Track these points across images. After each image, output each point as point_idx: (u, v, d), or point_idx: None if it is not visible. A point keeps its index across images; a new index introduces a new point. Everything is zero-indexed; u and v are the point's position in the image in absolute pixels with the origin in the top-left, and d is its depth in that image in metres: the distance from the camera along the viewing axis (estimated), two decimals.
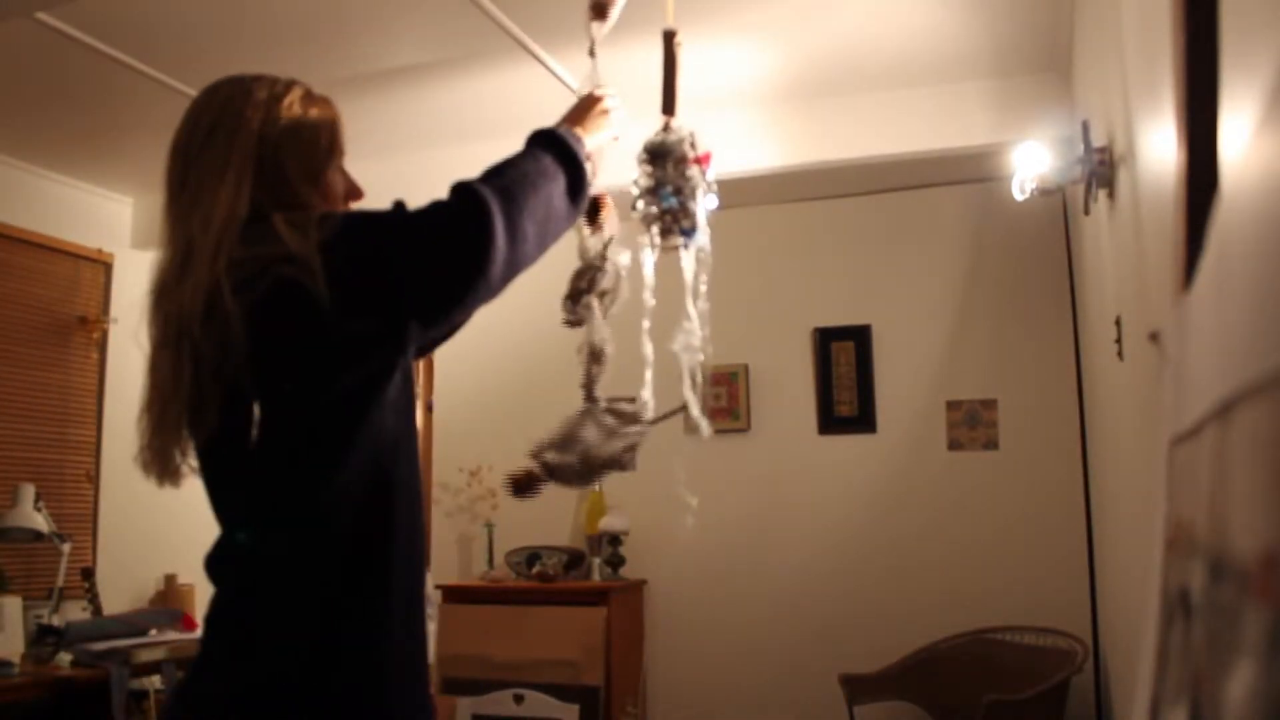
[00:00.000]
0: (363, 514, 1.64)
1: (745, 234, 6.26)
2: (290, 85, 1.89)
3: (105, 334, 5.96)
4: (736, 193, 5.60)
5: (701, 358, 2.03)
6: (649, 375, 2.04)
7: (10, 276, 5.48)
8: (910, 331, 6.00)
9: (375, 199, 5.80)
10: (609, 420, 2.00)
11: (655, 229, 2.06)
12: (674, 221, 2.05)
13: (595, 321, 2.17)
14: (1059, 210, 5.61)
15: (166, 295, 1.70)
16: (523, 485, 1.97)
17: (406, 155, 5.60)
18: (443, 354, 6.94)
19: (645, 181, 2.07)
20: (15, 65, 4.45)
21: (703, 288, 2.04)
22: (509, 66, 4.59)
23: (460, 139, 5.41)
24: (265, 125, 1.79)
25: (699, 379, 2.01)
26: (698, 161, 2.05)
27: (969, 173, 5.68)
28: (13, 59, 4.40)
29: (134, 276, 6.15)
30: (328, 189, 1.87)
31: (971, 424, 5.81)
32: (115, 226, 6.15)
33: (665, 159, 2.06)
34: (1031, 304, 5.76)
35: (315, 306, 1.57)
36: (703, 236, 2.04)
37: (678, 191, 2.04)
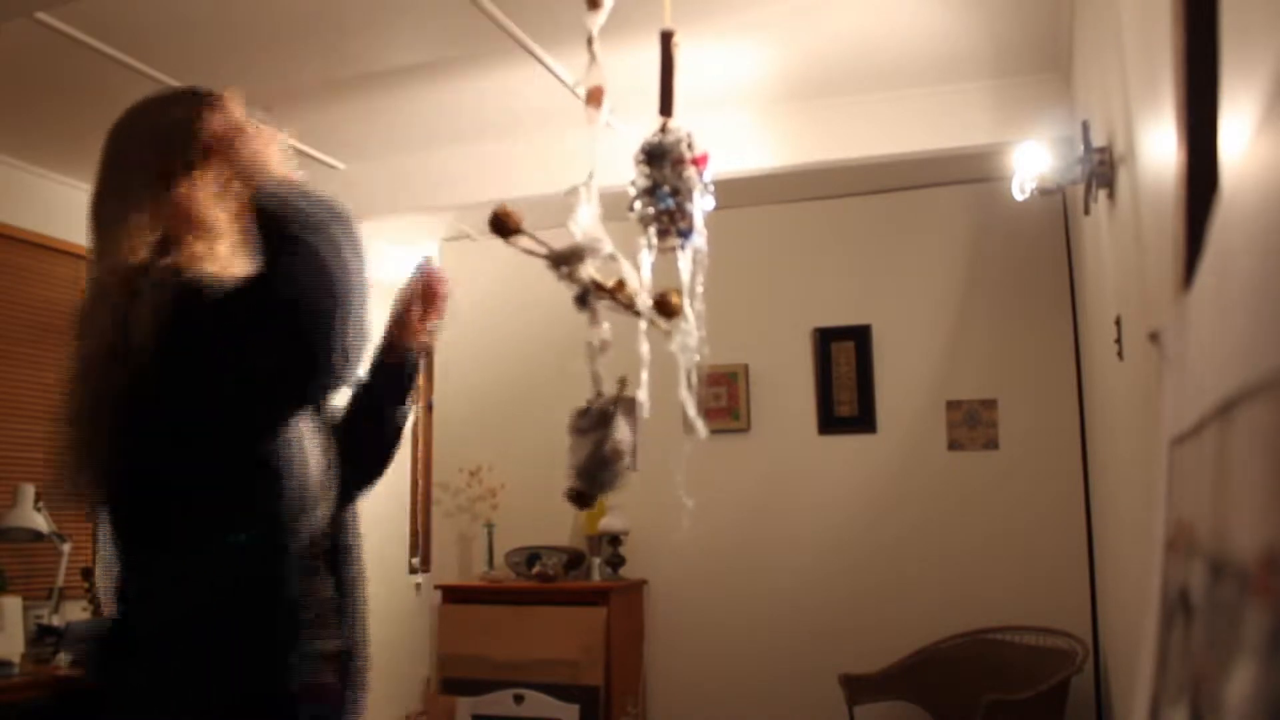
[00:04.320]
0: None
1: (745, 234, 6.26)
2: None
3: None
4: (736, 193, 5.61)
5: (698, 358, 2.03)
6: (645, 375, 2.03)
7: (9, 276, 5.48)
8: (910, 331, 6.00)
9: (378, 199, 5.80)
10: (603, 421, 1.99)
11: (653, 230, 2.05)
12: (671, 222, 2.04)
13: (600, 318, 2.17)
14: (1059, 210, 5.61)
15: None
16: (581, 498, 1.96)
17: (406, 155, 5.60)
18: (443, 353, 6.95)
19: (643, 182, 2.07)
20: (14, 64, 4.45)
21: (699, 288, 2.03)
22: (507, 65, 4.59)
23: (460, 138, 5.41)
24: None
25: (694, 380, 2.00)
26: (695, 163, 2.05)
27: (969, 172, 5.68)
28: (11, 58, 4.40)
29: None
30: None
31: (971, 424, 5.81)
32: None
33: (662, 160, 2.05)
34: (1032, 304, 5.77)
35: None
36: (699, 238, 2.04)
37: (675, 193, 2.03)
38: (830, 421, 6.09)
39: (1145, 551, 2.23)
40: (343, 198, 5.95)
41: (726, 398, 6.25)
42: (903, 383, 5.99)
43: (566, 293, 2.33)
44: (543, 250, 2.23)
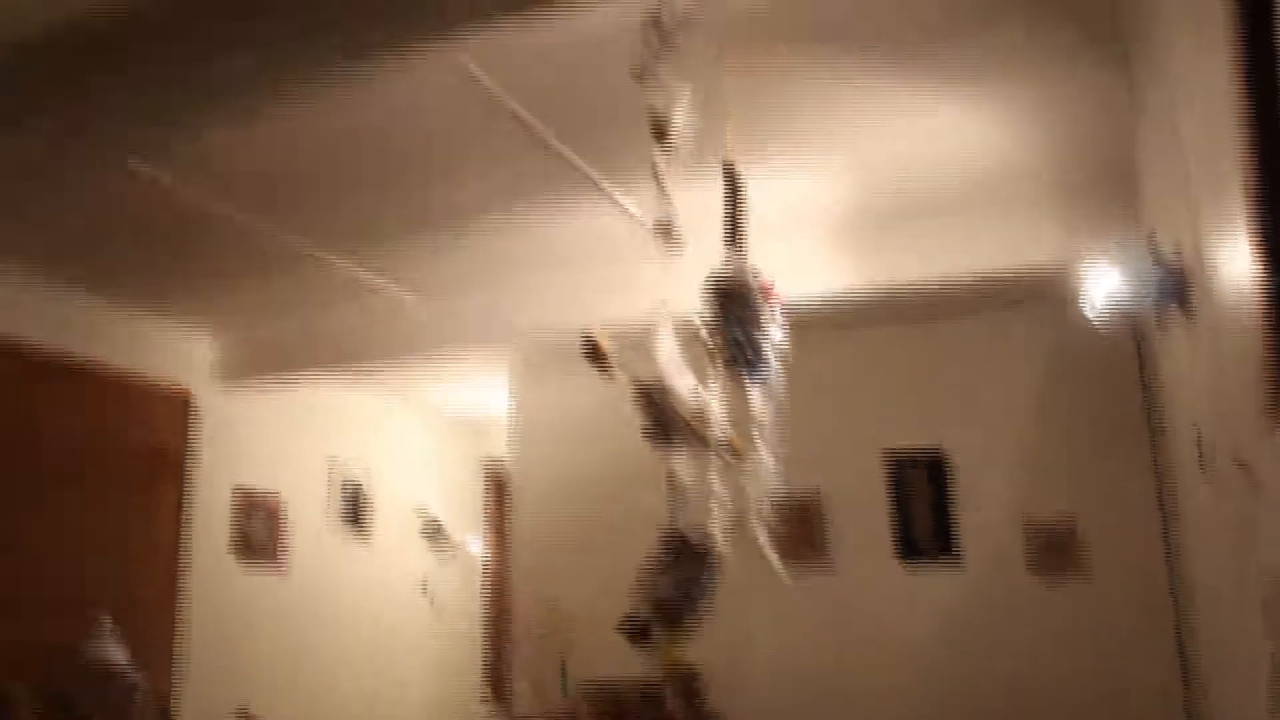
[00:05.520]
0: None
1: (813, 358, 6.22)
2: None
3: (186, 469, 6.06)
4: (803, 318, 5.61)
5: (772, 493, 2.01)
6: (718, 510, 2.02)
7: (92, 411, 5.61)
8: (986, 453, 5.88)
9: (449, 332, 5.89)
10: (686, 555, 1.98)
11: (721, 362, 2.06)
12: (740, 354, 2.05)
13: (679, 450, 2.17)
14: (1129, 327, 5.52)
15: None
16: (635, 631, 1.94)
17: (477, 289, 5.69)
18: (521, 484, 6.97)
19: (711, 315, 2.08)
20: (110, 211, 4.64)
21: (772, 420, 2.02)
22: (577, 200, 4.69)
23: (531, 271, 5.50)
24: None
25: (769, 514, 1.98)
26: (763, 294, 2.06)
27: (1035, 291, 5.63)
28: (108, 205, 4.59)
29: (214, 412, 6.28)
30: None
31: (1052, 546, 5.65)
32: (196, 362, 6.29)
33: (730, 292, 2.07)
34: (1107, 421, 5.64)
35: None
36: (770, 369, 2.04)
37: (743, 324, 2.05)
38: (908, 548, 5.96)
39: (1248, 679, 2.13)
40: (413, 332, 6.07)
41: (799, 525, 6.15)
42: (981, 506, 5.85)
43: (640, 421, 2.34)
44: (627, 380, 2.24)
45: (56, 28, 3.18)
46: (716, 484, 2.01)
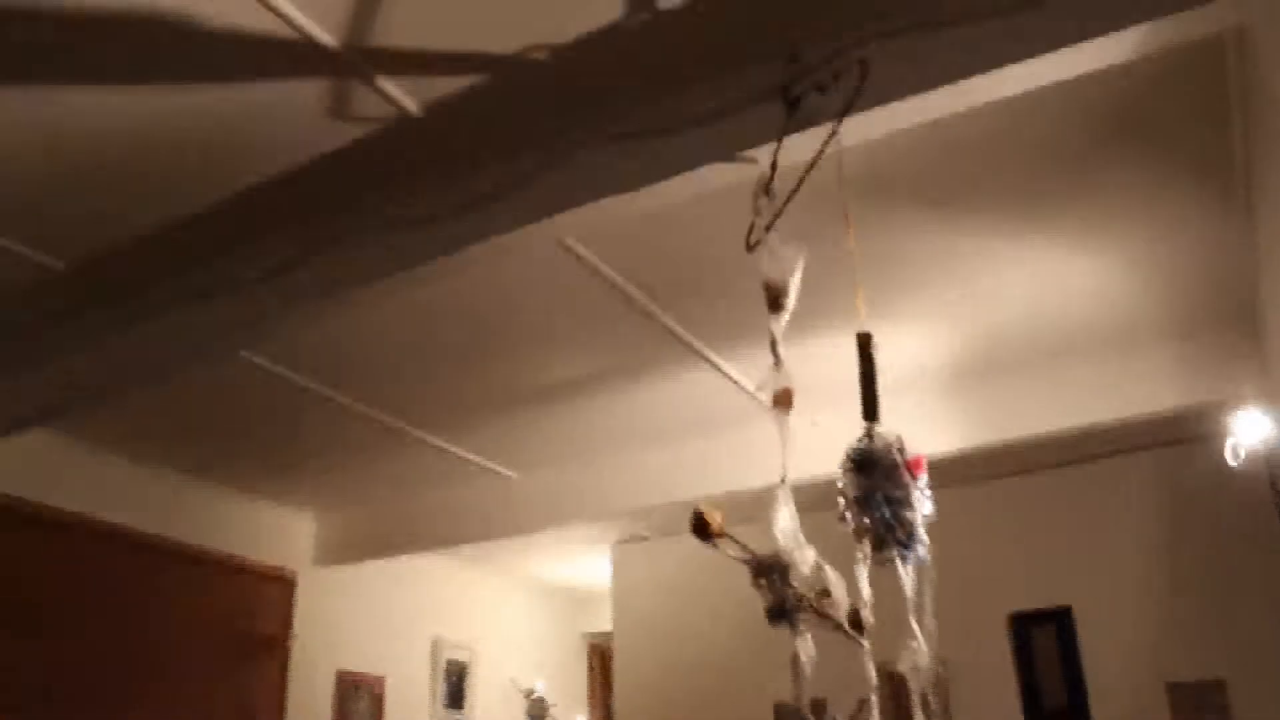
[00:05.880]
0: None
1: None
2: None
3: (288, 652, 5.99)
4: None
5: (931, 677, 1.87)
6: (875, 700, 1.88)
7: (196, 593, 5.61)
8: (1116, 609, 5.56)
9: (551, 507, 5.82)
10: None
11: (869, 543, 1.94)
12: (888, 533, 1.93)
13: (801, 630, 2.04)
14: (1262, 469, 5.25)
15: None
16: None
17: (577, 462, 5.64)
18: (624, 657, 6.78)
19: (853, 491, 1.98)
20: (207, 394, 4.71)
21: (928, 602, 1.89)
22: (678, 370, 4.65)
23: (631, 444, 5.44)
24: None
25: (931, 700, 1.84)
26: (909, 468, 1.95)
27: (1158, 436, 5.41)
28: (220, 393, 4.67)
29: (316, 593, 6.24)
30: None
31: (1200, 709, 5.27)
32: (298, 543, 6.29)
33: (873, 467, 1.96)
34: (1246, 573, 5.31)
35: None
36: (922, 548, 1.91)
37: (889, 501, 1.93)
38: (1038, 715, 5.61)
39: None
40: (514, 508, 5.99)
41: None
42: (1115, 666, 5.50)
43: (748, 593, 2.22)
44: (744, 555, 2.13)
45: (171, 221, 3.27)
46: (871, 672, 1.88)
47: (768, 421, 5.27)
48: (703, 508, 2.06)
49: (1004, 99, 2.77)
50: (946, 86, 2.60)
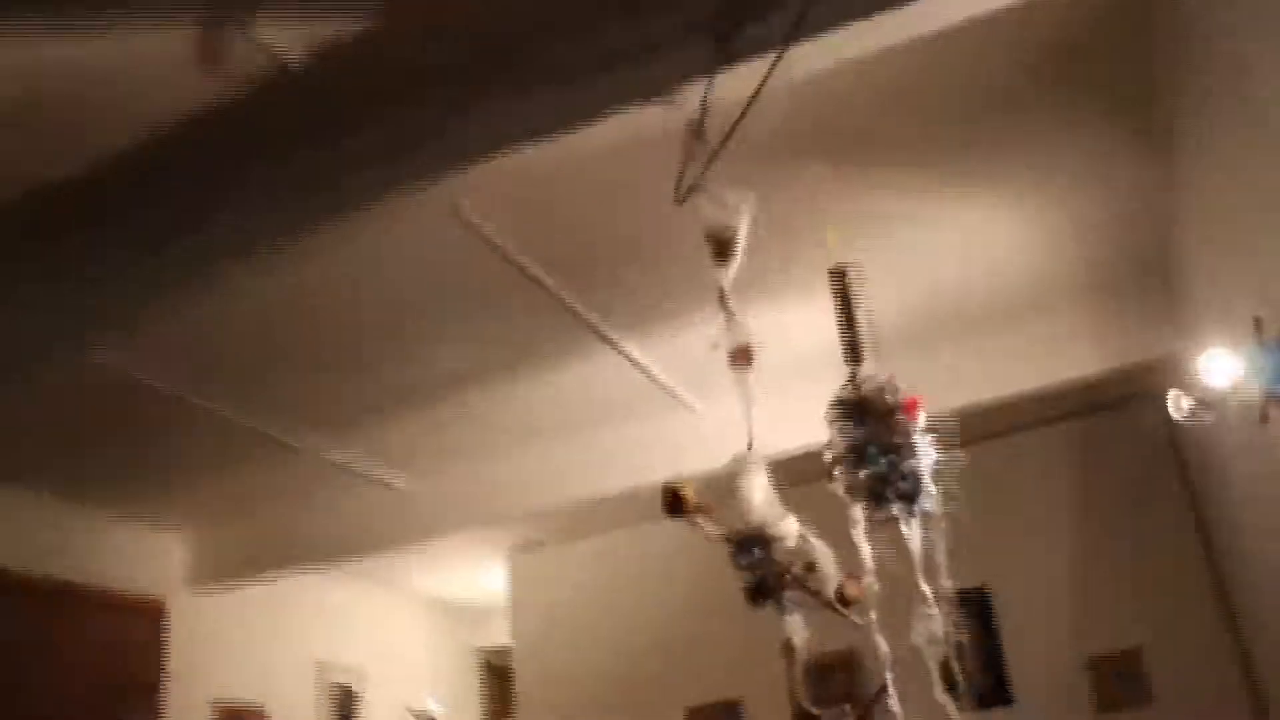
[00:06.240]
0: None
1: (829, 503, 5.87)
2: None
3: (158, 685, 5.48)
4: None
5: (948, 648, 1.64)
6: (890, 678, 1.64)
7: (55, 632, 5.02)
8: (1032, 587, 5.46)
9: (442, 516, 5.41)
10: None
11: (865, 499, 1.69)
12: (887, 486, 1.69)
13: (790, 610, 1.81)
14: (1165, 430, 5.20)
15: None
16: None
17: (470, 465, 5.26)
18: (525, 671, 6.45)
19: (842, 444, 1.73)
20: (51, 400, 4.18)
21: (942, 561, 1.65)
22: (583, 358, 4.35)
23: (528, 441, 5.08)
24: None
25: (958, 673, 1.61)
26: (905, 410, 1.71)
27: (1070, 408, 5.34)
28: (45, 392, 4.15)
29: (190, 620, 5.72)
30: None
31: (1120, 679, 5.21)
32: (168, 568, 5.76)
33: (864, 415, 1.72)
34: (1154, 534, 5.27)
35: None
36: (928, 499, 1.67)
37: (886, 450, 1.69)
38: (958, 698, 5.48)
39: None
40: (402, 517, 5.57)
41: (838, 679, 5.61)
42: (1034, 644, 5.41)
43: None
44: (722, 532, 1.88)
45: (17, 192, 2.84)
46: (884, 648, 1.64)
47: (678, 411, 5.03)
48: (675, 483, 1.81)
49: (922, 36, 2.60)
50: (863, 21, 2.39)
